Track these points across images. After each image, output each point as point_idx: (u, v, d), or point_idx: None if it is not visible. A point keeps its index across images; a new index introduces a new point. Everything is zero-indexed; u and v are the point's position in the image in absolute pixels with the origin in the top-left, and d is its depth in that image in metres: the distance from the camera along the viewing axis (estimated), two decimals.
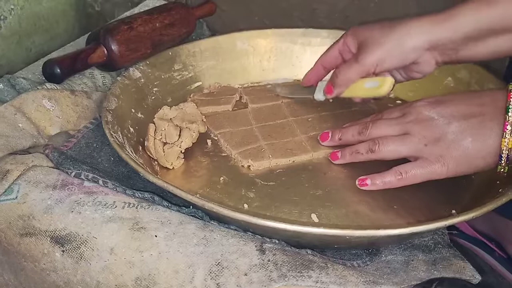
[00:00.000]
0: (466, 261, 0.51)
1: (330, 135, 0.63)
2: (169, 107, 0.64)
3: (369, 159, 0.57)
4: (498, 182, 0.55)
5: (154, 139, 0.61)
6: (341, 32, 0.81)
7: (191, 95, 0.76)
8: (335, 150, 0.62)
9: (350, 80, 0.63)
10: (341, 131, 0.62)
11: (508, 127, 0.48)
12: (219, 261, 0.46)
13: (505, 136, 0.48)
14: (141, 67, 0.71)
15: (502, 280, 0.79)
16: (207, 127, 0.68)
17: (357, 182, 0.57)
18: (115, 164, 0.61)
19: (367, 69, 0.61)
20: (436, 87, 0.74)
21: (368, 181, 0.56)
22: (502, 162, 0.49)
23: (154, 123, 0.62)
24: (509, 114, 0.47)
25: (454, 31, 0.56)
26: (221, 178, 0.60)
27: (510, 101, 0.48)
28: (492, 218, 0.78)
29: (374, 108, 0.73)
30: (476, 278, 0.49)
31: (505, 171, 0.50)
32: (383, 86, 0.62)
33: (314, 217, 0.54)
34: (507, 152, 0.48)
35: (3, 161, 0.54)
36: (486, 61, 0.59)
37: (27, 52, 0.80)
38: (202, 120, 0.66)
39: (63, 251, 0.48)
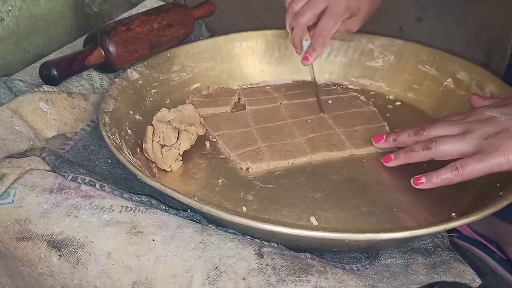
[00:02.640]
0: (466, 265, 0.51)
1: (384, 136, 0.62)
2: (167, 109, 0.64)
3: (425, 157, 0.55)
4: (498, 185, 0.55)
5: (152, 141, 0.61)
6: None
7: (190, 97, 0.75)
8: (389, 153, 0.59)
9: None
10: (396, 133, 0.60)
11: None
12: (217, 265, 0.46)
13: None
14: (139, 68, 0.71)
15: (502, 281, 0.78)
16: (206, 129, 0.67)
17: (412, 181, 0.54)
18: (112, 166, 0.60)
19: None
20: (435, 88, 0.74)
21: (423, 179, 0.54)
22: None
23: (152, 125, 0.61)
24: None
25: None
26: (220, 181, 0.60)
27: None
28: (491, 221, 0.78)
29: (374, 109, 0.72)
30: (476, 281, 0.49)
31: None
32: None
33: (313, 220, 0.54)
34: None
35: (0, 165, 0.54)
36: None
37: (25, 53, 0.80)
38: (201, 122, 0.66)
39: (60, 255, 0.48)
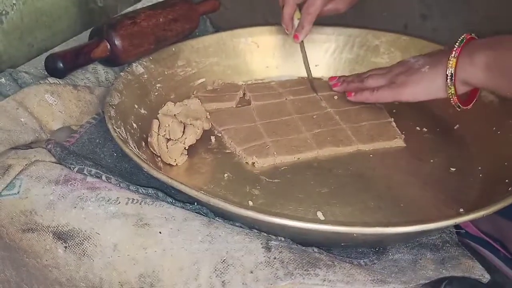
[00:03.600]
0: (475, 260, 0.50)
1: (337, 78, 0.75)
2: (173, 103, 0.63)
3: (357, 88, 0.71)
4: (506, 181, 0.54)
5: (158, 135, 0.60)
6: (345, 29, 0.81)
7: (195, 92, 0.75)
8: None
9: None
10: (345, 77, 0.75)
11: (453, 53, 0.58)
12: (224, 258, 0.46)
13: (450, 59, 0.58)
14: (144, 62, 0.71)
15: (507, 280, 0.78)
16: (211, 123, 0.67)
17: (346, 95, 0.71)
18: (118, 160, 0.60)
19: None
20: None
21: (352, 94, 0.71)
22: (448, 81, 0.59)
23: (158, 119, 0.61)
24: (457, 44, 0.58)
25: None
26: (225, 175, 0.59)
27: (462, 36, 0.59)
28: (496, 220, 0.78)
29: (380, 105, 0.72)
30: (486, 277, 0.49)
31: (452, 92, 0.59)
32: None
33: (319, 215, 0.54)
34: (451, 70, 0.58)
35: (5, 156, 0.53)
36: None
37: (29, 48, 0.79)
38: (206, 117, 0.65)
39: (65, 247, 0.47)
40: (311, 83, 0.76)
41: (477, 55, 0.56)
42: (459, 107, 0.62)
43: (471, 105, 0.63)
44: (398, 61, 0.72)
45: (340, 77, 0.75)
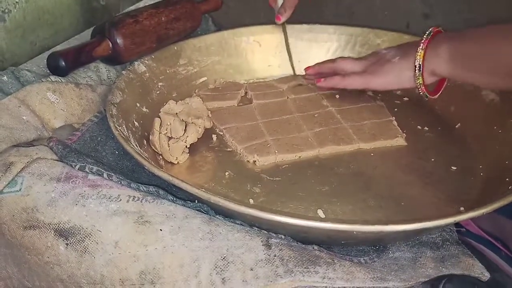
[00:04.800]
0: (475, 259, 0.50)
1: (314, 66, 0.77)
2: (175, 102, 0.63)
3: (329, 72, 0.74)
4: (507, 179, 0.54)
5: (160, 133, 0.60)
6: (347, 28, 0.81)
7: (196, 90, 0.75)
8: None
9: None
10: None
11: (421, 45, 0.61)
12: (224, 255, 0.46)
13: (418, 50, 0.61)
14: (146, 61, 0.71)
15: (508, 279, 0.78)
16: (212, 122, 0.67)
17: (315, 81, 0.74)
18: (119, 158, 0.60)
19: None
20: None
21: (322, 80, 0.73)
22: (416, 71, 0.62)
23: (159, 117, 0.61)
24: (425, 36, 0.61)
25: None
26: (227, 173, 0.60)
27: (429, 29, 0.61)
28: (497, 219, 0.77)
29: (382, 104, 0.72)
30: (485, 275, 0.49)
31: (420, 82, 0.62)
32: None
33: (320, 213, 0.54)
34: (419, 61, 0.61)
35: (7, 153, 0.54)
36: None
37: (32, 46, 0.79)
38: (208, 115, 0.65)
39: (67, 244, 0.48)
40: (291, 64, 0.81)
41: (441, 47, 0.59)
42: (426, 96, 0.64)
43: (437, 95, 0.66)
44: None
45: (315, 64, 0.78)
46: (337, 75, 0.71)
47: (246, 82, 0.79)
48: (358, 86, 0.69)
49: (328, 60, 0.77)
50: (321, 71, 0.75)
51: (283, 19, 0.79)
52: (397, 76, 0.65)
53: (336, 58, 0.75)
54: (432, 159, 0.62)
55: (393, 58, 0.66)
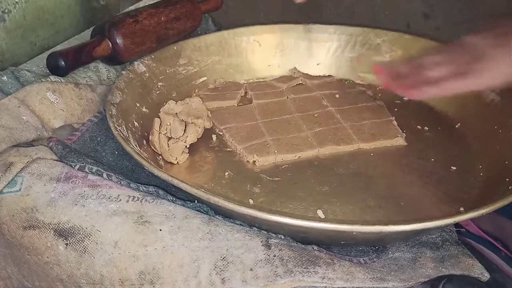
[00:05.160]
0: (475, 259, 0.50)
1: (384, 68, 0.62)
2: (174, 102, 0.63)
3: (413, 81, 0.57)
4: (507, 179, 0.54)
5: (159, 133, 0.60)
6: (347, 28, 0.81)
7: (196, 90, 0.75)
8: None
9: None
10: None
11: None
12: (224, 256, 0.46)
13: None
14: (146, 61, 0.71)
15: (508, 279, 0.78)
16: (212, 122, 0.67)
17: (402, 92, 0.59)
18: (119, 158, 0.60)
19: None
20: None
21: (413, 90, 0.57)
22: None
23: (159, 118, 0.61)
24: None
25: None
26: (226, 173, 0.60)
27: None
28: (497, 219, 0.77)
29: (382, 104, 0.72)
30: (485, 275, 0.49)
31: None
32: None
33: (320, 213, 0.54)
34: None
35: (7, 153, 0.54)
36: None
37: (32, 46, 0.79)
38: (208, 115, 0.65)
39: (66, 244, 0.48)
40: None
41: None
42: None
43: None
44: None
45: (384, 68, 0.63)
46: (428, 84, 0.57)
47: (246, 82, 0.79)
48: (460, 91, 0.57)
49: (401, 60, 0.65)
50: (407, 84, 0.60)
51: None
52: (506, 72, 0.54)
53: (413, 58, 0.61)
54: (432, 159, 0.62)
55: (491, 48, 0.55)
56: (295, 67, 0.81)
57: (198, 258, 0.46)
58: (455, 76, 0.56)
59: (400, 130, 0.66)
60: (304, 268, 0.45)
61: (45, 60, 0.64)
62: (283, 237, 0.49)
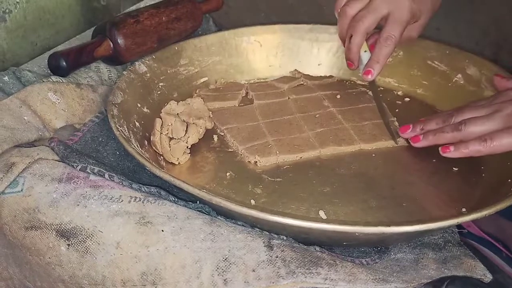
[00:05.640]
0: (477, 260, 0.50)
1: (411, 126, 0.61)
2: (176, 102, 0.63)
3: (454, 139, 0.55)
4: (509, 180, 0.54)
5: (161, 134, 0.60)
6: None
7: (197, 91, 0.75)
8: (417, 135, 0.60)
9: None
10: (423, 122, 0.60)
11: None
12: (226, 256, 0.46)
13: None
14: (147, 61, 0.71)
15: (509, 280, 0.78)
16: (213, 122, 0.67)
17: (440, 149, 0.56)
18: (120, 158, 0.60)
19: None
20: (445, 84, 0.73)
21: (452, 148, 0.54)
22: None
23: (160, 118, 0.61)
24: None
25: None
26: (228, 174, 0.59)
27: None
28: (499, 220, 0.77)
29: (383, 105, 0.72)
30: (488, 277, 0.49)
31: None
32: None
33: (322, 214, 0.54)
34: None
35: (8, 154, 0.53)
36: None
37: (32, 46, 0.79)
38: (209, 116, 0.65)
39: (68, 244, 0.48)
40: (387, 127, 0.65)
41: None
42: None
43: None
44: (407, 62, 0.69)
45: (414, 125, 0.61)
46: (473, 140, 0.54)
47: (247, 82, 0.79)
48: (510, 148, 0.52)
49: (436, 115, 0.61)
50: (441, 141, 0.57)
51: (375, 73, 0.63)
52: None
53: (450, 112, 0.58)
54: (434, 160, 0.62)
55: None
56: (295, 70, 0.80)
57: (200, 259, 0.46)
58: (504, 131, 0.52)
59: None
60: (307, 269, 0.45)
61: (46, 60, 0.64)
62: (285, 238, 0.49)
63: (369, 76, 0.63)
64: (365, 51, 0.65)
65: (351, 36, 0.63)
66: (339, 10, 0.65)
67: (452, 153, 0.54)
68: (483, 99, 0.58)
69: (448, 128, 0.56)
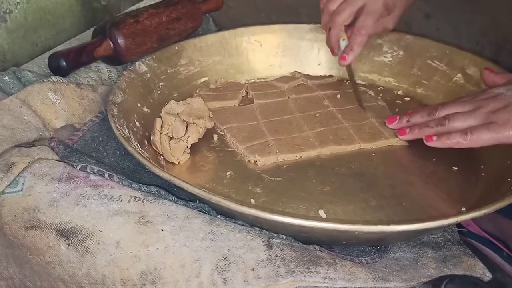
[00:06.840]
0: (477, 259, 0.50)
1: (397, 118, 0.65)
2: (176, 102, 0.63)
3: (437, 133, 0.58)
4: (509, 179, 0.54)
5: (161, 133, 0.60)
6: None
7: (197, 90, 0.75)
8: (403, 128, 0.63)
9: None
10: (409, 115, 0.64)
11: None
12: (226, 256, 0.46)
13: None
14: (147, 61, 0.71)
15: (509, 279, 0.78)
16: (213, 122, 0.67)
17: (424, 138, 0.58)
18: (120, 158, 0.60)
19: None
20: (445, 84, 0.73)
21: (435, 138, 0.57)
22: None
23: (160, 118, 0.61)
24: None
25: None
26: (228, 173, 0.59)
27: None
28: (498, 219, 0.77)
29: (383, 104, 0.72)
30: (487, 275, 0.49)
31: None
32: None
33: (321, 213, 0.54)
34: None
35: (8, 154, 0.54)
36: None
37: (33, 46, 0.79)
38: (209, 115, 0.65)
39: (68, 244, 0.48)
40: (359, 103, 0.71)
41: None
42: None
43: None
44: (407, 62, 0.70)
45: (401, 117, 0.65)
46: (455, 132, 0.56)
47: (247, 82, 0.79)
48: (489, 142, 0.54)
49: (421, 109, 0.63)
50: (426, 133, 0.59)
51: (349, 58, 0.71)
52: None
53: (435, 106, 0.61)
54: (434, 159, 0.62)
55: None
56: (295, 71, 0.81)
57: (199, 258, 0.46)
58: (484, 126, 0.54)
59: None
60: (306, 268, 0.45)
61: (46, 60, 0.64)
62: (284, 237, 0.49)
63: (344, 61, 0.71)
64: (343, 40, 0.72)
65: (331, 28, 0.72)
66: (322, 6, 0.73)
67: (434, 142, 0.57)
68: (467, 95, 0.61)
69: (432, 123, 0.59)
